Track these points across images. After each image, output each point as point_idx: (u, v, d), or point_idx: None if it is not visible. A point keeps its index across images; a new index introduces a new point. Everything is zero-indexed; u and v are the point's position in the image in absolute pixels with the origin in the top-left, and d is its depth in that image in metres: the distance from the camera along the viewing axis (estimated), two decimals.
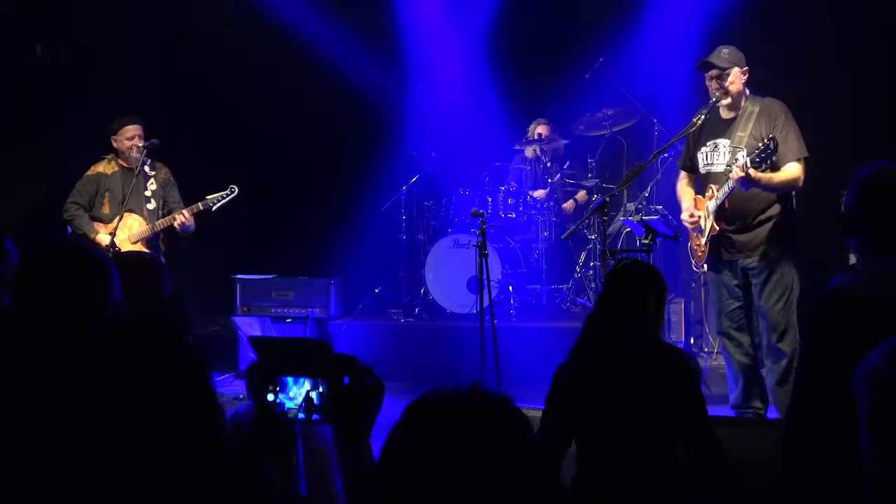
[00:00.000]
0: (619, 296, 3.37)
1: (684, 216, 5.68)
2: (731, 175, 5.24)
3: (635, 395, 3.19)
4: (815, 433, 2.64)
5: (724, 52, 5.48)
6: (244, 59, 9.25)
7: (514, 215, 8.27)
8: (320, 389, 2.05)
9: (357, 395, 1.97)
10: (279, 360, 2.09)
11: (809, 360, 2.78)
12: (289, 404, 2.06)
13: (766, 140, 5.10)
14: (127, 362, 1.63)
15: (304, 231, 9.24)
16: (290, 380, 2.06)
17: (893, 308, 2.56)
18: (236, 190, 6.84)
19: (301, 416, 2.05)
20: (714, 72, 5.46)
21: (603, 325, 3.37)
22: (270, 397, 2.07)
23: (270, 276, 8.26)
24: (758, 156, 5.09)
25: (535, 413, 3.29)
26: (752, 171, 5.11)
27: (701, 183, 5.67)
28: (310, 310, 8.00)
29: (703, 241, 5.56)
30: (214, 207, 6.78)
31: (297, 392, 2.05)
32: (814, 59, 7.87)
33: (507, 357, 6.46)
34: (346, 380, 1.98)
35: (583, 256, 8.35)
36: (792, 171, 5.31)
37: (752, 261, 5.45)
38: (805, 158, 5.36)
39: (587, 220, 7.62)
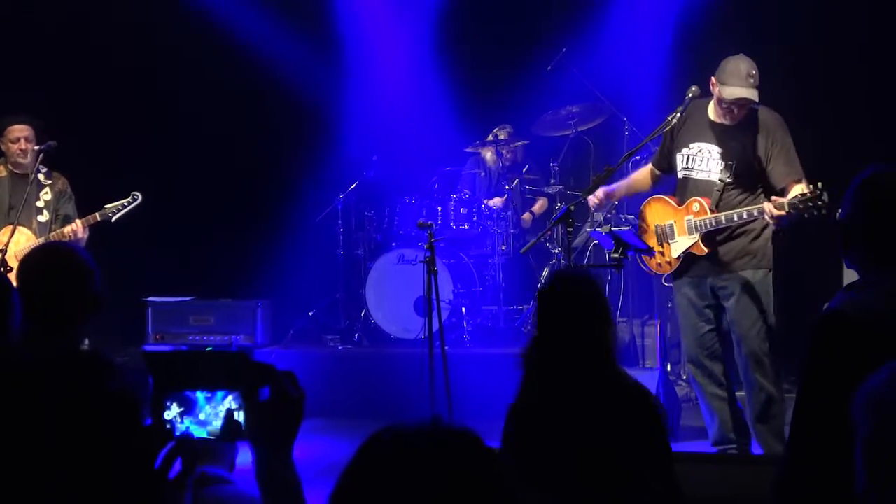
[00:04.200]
0: (553, 322, 3.34)
1: (598, 192, 5.71)
2: (767, 214, 5.15)
3: (588, 438, 3.15)
4: (819, 476, 2.60)
5: (752, 75, 5.36)
6: (154, 52, 9.20)
7: (466, 227, 8.28)
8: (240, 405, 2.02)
9: (280, 407, 1.96)
10: (183, 375, 2.04)
11: (810, 394, 2.69)
12: (197, 432, 2.01)
13: (817, 193, 4.96)
14: (50, 395, 1.63)
15: (226, 247, 9.17)
16: (200, 397, 2.01)
17: None
18: (139, 197, 6.77)
19: (218, 437, 2.01)
20: (748, 102, 5.42)
21: (541, 357, 3.33)
22: (169, 415, 2.02)
23: (188, 299, 8.20)
24: (803, 202, 4.99)
25: None
26: (792, 214, 5.06)
27: (678, 189, 5.69)
28: (233, 337, 7.98)
29: (674, 255, 5.59)
30: (114, 218, 6.72)
31: (211, 412, 2.01)
32: (804, 58, 8.00)
33: (460, 388, 6.43)
34: (267, 391, 1.97)
35: (545, 273, 8.35)
36: (801, 191, 5.21)
37: (723, 280, 5.49)
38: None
39: (549, 232, 7.65)
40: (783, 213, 5.07)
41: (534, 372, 3.35)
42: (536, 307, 3.44)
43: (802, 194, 5.04)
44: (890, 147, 7.24)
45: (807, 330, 2.72)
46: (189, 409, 2.02)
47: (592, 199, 5.78)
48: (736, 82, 5.36)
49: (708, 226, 5.42)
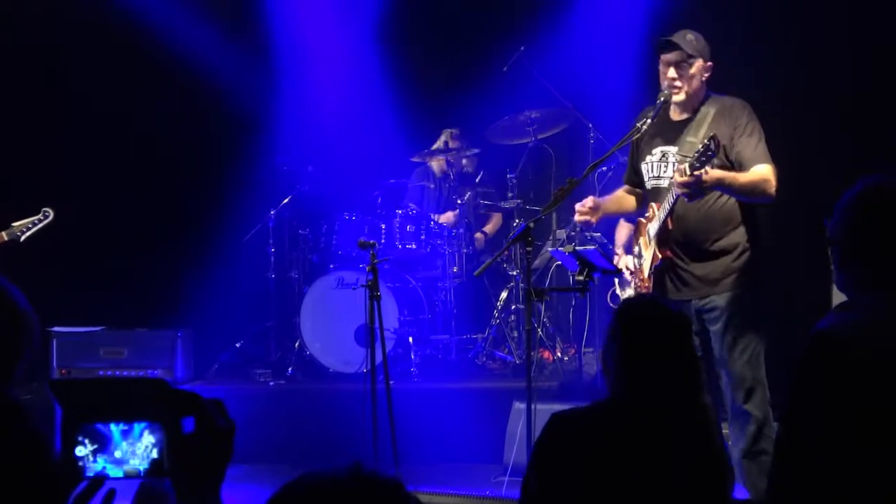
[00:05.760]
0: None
1: (588, 202, 5.67)
2: (675, 187, 5.21)
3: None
4: None
5: (689, 37, 5.46)
6: (67, 53, 9.12)
7: (414, 246, 8.26)
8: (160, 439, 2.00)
9: (206, 440, 1.93)
10: (96, 405, 2.02)
11: (795, 423, 2.72)
12: (113, 472, 1.98)
13: (706, 140, 5.04)
14: None
15: (141, 269, 9.09)
16: (115, 432, 1.99)
17: None
18: (51, 214, 6.74)
19: (140, 475, 1.99)
20: (674, 55, 5.44)
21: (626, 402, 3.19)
22: (81, 451, 2.00)
23: (97, 329, 8.12)
24: (698, 159, 5.04)
25: (439, 499, 3.22)
26: (708, 173, 5.07)
27: (647, 201, 5.70)
28: (149, 371, 7.89)
29: (645, 273, 5.59)
30: (23, 238, 6.67)
31: (128, 449, 1.99)
32: (782, 58, 8.08)
33: (406, 428, 6.42)
34: (191, 422, 1.94)
35: (502, 298, 8.36)
36: (761, 171, 5.31)
37: (710, 301, 5.45)
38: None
39: (506, 252, 7.63)
40: (688, 178, 5.06)
41: (613, 422, 3.18)
42: (621, 343, 3.25)
43: (697, 150, 5.08)
44: (876, 150, 7.33)
45: (794, 354, 2.72)
46: (103, 446, 1.99)
47: (580, 210, 5.64)
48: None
49: (656, 227, 5.44)
